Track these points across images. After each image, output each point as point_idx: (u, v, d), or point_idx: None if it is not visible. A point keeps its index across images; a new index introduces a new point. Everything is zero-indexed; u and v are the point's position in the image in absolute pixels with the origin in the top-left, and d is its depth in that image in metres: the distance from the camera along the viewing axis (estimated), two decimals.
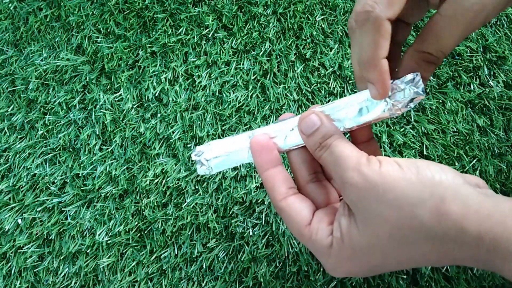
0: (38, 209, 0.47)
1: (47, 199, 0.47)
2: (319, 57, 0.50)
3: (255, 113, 0.48)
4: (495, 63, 0.49)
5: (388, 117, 0.30)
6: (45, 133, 0.49)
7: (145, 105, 0.49)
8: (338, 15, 0.51)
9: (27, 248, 0.46)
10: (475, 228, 0.24)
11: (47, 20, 0.53)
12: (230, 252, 0.44)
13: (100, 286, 0.45)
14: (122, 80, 0.50)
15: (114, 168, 0.47)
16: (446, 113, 0.47)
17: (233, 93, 0.49)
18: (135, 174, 0.47)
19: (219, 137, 0.48)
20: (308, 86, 0.49)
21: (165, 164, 0.47)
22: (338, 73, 0.49)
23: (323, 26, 0.51)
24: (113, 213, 0.46)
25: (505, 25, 0.50)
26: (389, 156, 0.46)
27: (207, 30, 0.51)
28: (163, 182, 0.46)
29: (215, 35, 0.51)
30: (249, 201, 0.45)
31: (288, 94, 0.49)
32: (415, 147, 0.46)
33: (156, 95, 0.49)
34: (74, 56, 0.51)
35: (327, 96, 0.49)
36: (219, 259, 0.44)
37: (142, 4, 0.52)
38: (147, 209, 0.46)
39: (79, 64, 0.51)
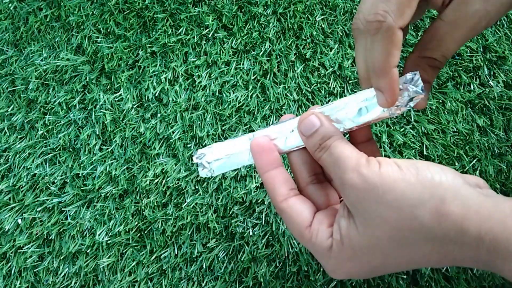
0: (38, 209, 0.47)
1: (47, 199, 0.47)
2: (319, 57, 0.50)
3: (255, 113, 0.48)
4: (495, 63, 0.49)
5: (388, 117, 0.30)
6: (45, 133, 0.49)
7: (145, 105, 0.49)
8: (338, 15, 0.51)
9: (27, 248, 0.46)
10: (475, 228, 0.24)
11: (47, 20, 0.53)
12: (230, 252, 0.44)
13: (100, 286, 0.45)
14: (122, 80, 0.50)
15: (114, 168, 0.47)
16: (446, 113, 0.47)
17: (233, 93, 0.49)
18: (135, 174, 0.47)
19: (219, 137, 0.48)
20: (308, 86, 0.49)
21: (165, 164, 0.47)
22: (338, 73, 0.49)
23: (323, 26, 0.51)
24: (113, 213, 0.46)
25: (505, 25, 0.50)
26: (389, 157, 0.46)
27: (207, 30, 0.51)
28: (163, 182, 0.46)
29: (215, 35, 0.51)
30: (249, 201, 0.45)
31: (288, 94, 0.49)
32: (415, 147, 0.46)
33: (156, 95, 0.49)
34: (74, 56, 0.51)
35: (327, 96, 0.49)
36: (219, 259, 0.44)
37: (142, 4, 0.52)
38: (147, 209, 0.46)
39: (79, 64, 0.51)
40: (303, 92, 0.49)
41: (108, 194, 0.47)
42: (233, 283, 0.44)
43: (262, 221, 0.45)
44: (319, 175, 0.33)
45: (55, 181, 0.47)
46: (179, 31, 0.51)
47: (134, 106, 0.49)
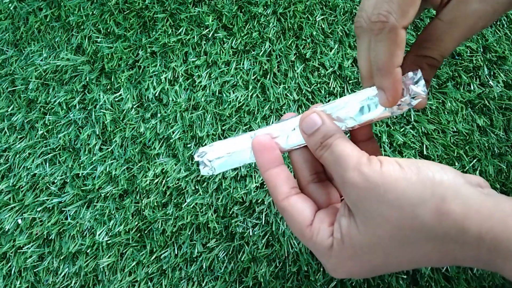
0: (38, 209, 0.47)
1: (47, 199, 0.47)
2: (319, 57, 0.50)
3: (255, 113, 0.48)
4: (495, 63, 0.49)
5: (389, 116, 0.30)
6: (45, 133, 0.49)
7: (145, 105, 0.49)
8: (338, 15, 0.51)
9: (27, 248, 0.46)
10: (476, 227, 0.24)
11: (47, 20, 0.53)
12: (230, 252, 0.44)
13: (100, 286, 0.45)
14: (122, 80, 0.50)
15: (114, 168, 0.47)
16: (446, 113, 0.47)
17: (233, 93, 0.49)
18: (135, 174, 0.47)
19: (219, 137, 0.48)
20: (308, 86, 0.49)
21: (165, 164, 0.47)
22: (338, 73, 0.49)
23: (323, 26, 0.51)
24: (113, 213, 0.46)
25: (505, 25, 0.50)
26: (389, 156, 0.46)
27: (207, 30, 0.51)
28: (163, 182, 0.46)
29: (215, 35, 0.51)
30: (249, 201, 0.45)
31: (288, 94, 0.49)
32: (415, 147, 0.46)
33: (156, 95, 0.49)
34: (74, 56, 0.51)
35: (327, 96, 0.49)
36: (219, 259, 0.44)
37: (142, 4, 0.52)
38: (147, 209, 0.46)
39: (79, 64, 0.51)
40: (303, 92, 0.49)
41: (108, 194, 0.47)
42: (233, 283, 0.44)
43: (262, 221, 0.45)
44: (320, 174, 0.33)
45: (55, 181, 0.47)
46: (179, 31, 0.51)
47: (134, 106, 0.49)
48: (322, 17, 0.51)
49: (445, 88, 0.48)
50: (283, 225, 0.45)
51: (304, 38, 0.50)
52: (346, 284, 0.43)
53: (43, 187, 0.47)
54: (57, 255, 0.46)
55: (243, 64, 0.50)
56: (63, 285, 0.45)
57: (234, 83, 0.49)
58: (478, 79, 0.49)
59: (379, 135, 0.47)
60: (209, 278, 0.44)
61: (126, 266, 0.45)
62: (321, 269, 0.43)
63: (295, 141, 0.32)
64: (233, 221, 0.45)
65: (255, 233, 0.45)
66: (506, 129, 0.47)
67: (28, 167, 0.48)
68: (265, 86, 0.49)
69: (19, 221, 0.47)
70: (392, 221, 0.25)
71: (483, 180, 0.27)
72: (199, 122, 0.48)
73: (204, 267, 0.44)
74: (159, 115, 0.48)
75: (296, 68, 0.49)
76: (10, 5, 0.53)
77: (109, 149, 0.48)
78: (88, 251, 0.45)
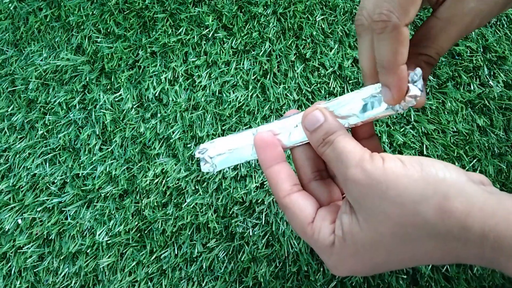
0: (38, 209, 0.47)
1: (47, 199, 0.47)
2: (319, 57, 0.50)
3: (255, 113, 0.48)
4: (495, 63, 0.49)
5: (392, 113, 0.30)
6: (45, 133, 0.49)
7: (145, 105, 0.49)
8: (338, 15, 0.51)
9: (27, 248, 0.46)
10: (479, 225, 0.24)
11: (47, 20, 0.53)
12: (230, 252, 0.44)
13: (100, 286, 0.45)
14: (122, 80, 0.50)
15: (114, 168, 0.47)
16: (446, 113, 0.47)
17: (233, 93, 0.49)
18: (135, 174, 0.47)
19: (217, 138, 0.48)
20: (308, 86, 0.49)
21: (165, 164, 0.47)
22: (338, 73, 0.49)
23: (323, 26, 0.51)
24: (113, 213, 0.46)
25: (505, 25, 0.50)
26: None
27: (207, 30, 0.51)
28: (163, 182, 0.46)
29: (215, 35, 0.51)
30: (249, 201, 0.45)
31: (288, 94, 0.49)
32: (415, 147, 0.46)
33: (156, 95, 0.49)
34: (74, 56, 0.51)
35: (327, 96, 0.49)
36: (219, 259, 0.44)
37: (142, 4, 0.52)
38: (147, 209, 0.46)
39: (79, 64, 0.51)
40: (303, 92, 0.49)
41: (108, 194, 0.47)
42: (233, 283, 0.44)
43: (262, 221, 0.45)
44: (322, 172, 0.33)
45: (55, 181, 0.47)
46: (179, 31, 0.51)
47: (134, 106, 0.49)
48: (322, 17, 0.51)
49: (445, 88, 0.48)
50: (283, 225, 0.45)
51: (304, 38, 0.50)
52: (346, 284, 0.43)
53: (43, 187, 0.47)
54: (57, 255, 0.46)
55: (243, 64, 0.50)
56: (63, 285, 0.45)
57: (234, 83, 0.49)
58: (478, 79, 0.49)
59: (379, 135, 0.47)
60: (209, 278, 0.44)
61: (126, 266, 0.45)
62: (321, 269, 0.43)
63: (297, 138, 0.32)
64: (233, 221, 0.45)
65: (255, 233, 0.45)
66: (506, 129, 0.47)
67: (28, 167, 0.48)
68: (265, 86, 0.49)
69: (19, 221, 0.47)
70: (394, 218, 0.25)
71: (485, 178, 0.27)
72: (199, 122, 0.48)
73: (204, 267, 0.44)
74: (159, 115, 0.48)
75: (296, 68, 0.49)
76: (10, 5, 0.53)
77: (109, 149, 0.48)
78: (88, 251, 0.45)
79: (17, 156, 0.49)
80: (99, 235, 0.45)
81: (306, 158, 0.32)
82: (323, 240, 0.28)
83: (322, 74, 0.49)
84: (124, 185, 0.46)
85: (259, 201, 0.45)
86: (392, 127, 0.47)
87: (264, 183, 0.46)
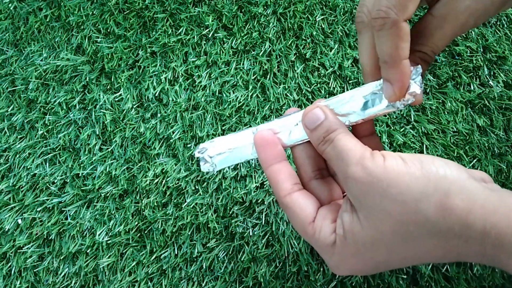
0: (38, 209, 0.47)
1: (47, 199, 0.47)
2: (319, 57, 0.50)
3: (255, 113, 0.48)
4: (495, 63, 0.49)
5: (393, 110, 0.30)
6: (45, 133, 0.49)
7: (145, 105, 0.49)
8: (338, 15, 0.51)
9: (27, 248, 0.46)
10: (480, 223, 0.23)
11: (47, 20, 0.53)
12: (230, 252, 0.44)
13: (100, 286, 0.45)
14: (122, 80, 0.50)
15: (114, 168, 0.47)
16: (446, 113, 0.47)
17: (233, 93, 0.49)
18: (135, 174, 0.47)
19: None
20: (308, 86, 0.49)
21: (165, 164, 0.47)
22: (338, 73, 0.49)
23: (323, 26, 0.51)
24: (113, 213, 0.46)
25: (505, 25, 0.50)
26: None
27: (207, 30, 0.51)
28: (163, 182, 0.46)
29: (215, 35, 0.51)
30: (249, 201, 0.45)
31: (288, 94, 0.49)
32: (415, 147, 0.46)
33: (156, 95, 0.49)
34: (74, 56, 0.51)
35: (327, 96, 0.49)
36: (219, 259, 0.44)
37: (142, 4, 0.52)
38: (147, 209, 0.46)
39: (79, 64, 0.51)
40: (303, 92, 0.49)
41: (108, 194, 0.47)
42: (233, 283, 0.44)
43: (262, 221, 0.45)
44: (323, 170, 0.33)
45: (55, 181, 0.47)
46: (179, 31, 0.51)
47: (134, 106, 0.49)
48: (322, 17, 0.51)
49: (445, 88, 0.48)
50: (283, 225, 0.45)
51: (304, 38, 0.50)
52: (346, 284, 0.43)
53: (43, 187, 0.47)
54: (57, 255, 0.46)
55: (243, 64, 0.50)
56: (63, 285, 0.45)
57: (234, 83, 0.49)
58: (478, 79, 0.49)
59: (379, 135, 0.47)
60: (209, 278, 0.44)
61: (126, 266, 0.45)
62: (321, 269, 0.43)
63: (297, 136, 0.32)
64: (233, 221, 0.45)
65: (255, 233, 0.45)
66: (506, 129, 0.47)
67: (28, 167, 0.48)
68: (265, 86, 0.49)
69: (19, 221, 0.47)
70: (395, 216, 0.25)
71: (487, 175, 0.27)
72: (199, 122, 0.48)
73: (204, 267, 0.44)
74: (159, 115, 0.48)
75: (296, 68, 0.49)
76: (10, 5, 0.53)
77: (109, 149, 0.48)
78: (88, 251, 0.45)
79: (17, 156, 0.49)
80: (99, 235, 0.45)
81: (306, 156, 0.32)
82: (324, 239, 0.28)
83: (322, 74, 0.49)
84: (124, 185, 0.46)
85: (259, 201, 0.45)
86: (392, 127, 0.47)
87: (264, 183, 0.46)
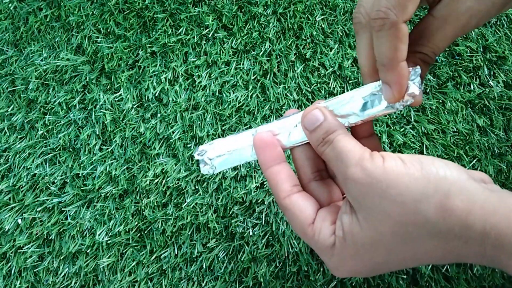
0: (38, 209, 0.47)
1: (47, 199, 0.47)
2: (319, 57, 0.50)
3: (255, 113, 0.48)
4: (495, 63, 0.49)
5: (392, 111, 0.30)
6: (45, 133, 0.49)
7: (145, 105, 0.49)
8: (338, 15, 0.51)
9: (27, 248, 0.46)
10: (480, 223, 0.23)
11: (47, 20, 0.53)
12: (230, 252, 0.44)
13: (100, 286, 0.45)
14: (122, 80, 0.50)
15: (114, 168, 0.47)
16: (446, 113, 0.47)
17: (233, 93, 0.49)
18: (135, 174, 0.47)
19: (219, 137, 0.48)
20: (308, 86, 0.49)
21: (165, 164, 0.47)
22: (338, 73, 0.49)
23: (323, 26, 0.51)
24: (113, 213, 0.46)
25: (505, 25, 0.50)
26: None
27: (207, 30, 0.51)
28: (163, 182, 0.46)
29: (215, 35, 0.51)
30: (249, 201, 0.45)
31: (288, 94, 0.49)
32: (415, 147, 0.46)
33: (156, 95, 0.49)
34: (74, 56, 0.51)
35: (327, 96, 0.49)
36: (219, 259, 0.44)
37: (142, 4, 0.52)
38: (147, 209, 0.46)
39: (79, 64, 0.51)
40: (303, 92, 0.49)
41: (108, 194, 0.47)
42: (233, 283, 0.44)
43: (262, 221, 0.45)
44: (322, 172, 0.33)
45: (55, 181, 0.47)
46: (179, 31, 0.51)
47: (134, 106, 0.49)
48: (322, 17, 0.51)
49: (445, 88, 0.48)
50: (283, 225, 0.45)
51: (304, 38, 0.50)
52: (346, 284, 0.43)
53: (43, 187, 0.47)
54: (57, 255, 0.46)
55: (243, 64, 0.50)
56: (63, 285, 0.45)
57: (234, 83, 0.49)
58: (478, 79, 0.49)
59: (379, 135, 0.47)
60: (209, 278, 0.44)
61: (126, 266, 0.45)
62: (321, 269, 0.43)
63: (297, 137, 0.32)
64: (233, 221, 0.45)
65: (255, 233, 0.45)
66: (506, 129, 0.47)
67: (28, 167, 0.48)
68: (265, 86, 0.49)
69: (19, 221, 0.47)
70: (394, 217, 0.25)
71: (486, 176, 0.27)
72: (199, 122, 0.48)
73: (204, 267, 0.44)
74: (159, 115, 0.48)
75: (296, 68, 0.49)
76: (10, 5, 0.53)
77: (109, 149, 0.48)
78: (88, 251, 0.45)
79: (17, 156, 0.49)
80: (99, 235, 0.45)
81: (306, 158, 0.32)
82: (324, 241, 0.28)
83: (322, 74, 0.49)
84: (124, 185, 0.46)
85: (259, 201, 0.45)
86: (392, 127, 0.47)
87: (264, 183, 0.46)
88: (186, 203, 0.46)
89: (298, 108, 0.48)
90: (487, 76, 0.49)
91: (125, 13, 0.52)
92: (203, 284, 0.44)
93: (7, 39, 0.53)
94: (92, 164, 0.48)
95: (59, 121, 0.49)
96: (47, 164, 0.48)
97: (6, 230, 0.46)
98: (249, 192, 0.46)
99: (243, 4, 0.52)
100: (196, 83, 0.49)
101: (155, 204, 0.46)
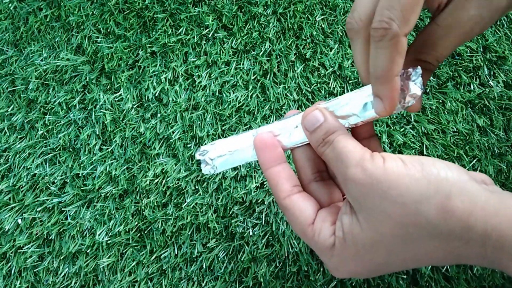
0: (38, 209, 0.47)
1: (47, 199, 0.47)
2: (319, 57, 0.50)
3: (255, 113, 0.48)
4: (495, 63, 0.49)
5: (393, 112, 0.30)
6: (45, 133, 0.49)
7: (145, 105, 0.49)
8: (338, 15, 0.51)
9: (27, 248, 0.46)
10: (481, 225, 0.23)
11: (47, 20, 0.53)
12: (230, 252, 0.44)
13: (100, 286, 0.45)
14: (122, 80, 0.50)
15: (114, 168, 0.47)
16: (446, 113, 0.47)
17: (233, 93, 0.49)
18: (135, 174, 0.47)
19: (219, 137, 0.48)
20: (308, 86, 0.49)
21: (165, 164, 0.47)
22: (338, 73, 0.49)
23: (323, 26, 0.51)
24: (113, 213, 0.46)
25: (505, 25, 0.50)
26: None
27: (207, 30, 0.51)
28: (163, 182, 0.46)
29: (215, 35, 0.51)
30: (249, 201, 0.45)
31: (288, 94, 0.49)
32: (415, 147, 0.46)
33: (156, 95, 0.49)
34: (74, 56, 0.51)
35: (327, 96, 0.49)
36: (219, 259, 0.44)
37: (142, 4, 0.52)
38: (147, 209, 0.46)
39: (79, 64, 0.51)
40: (303, 92, 0.49)
41: (108, 194, 0.47)
42: (233, 283, 0.44)
43: (262, 221, 0.45)
44: (323, 173, 0.33)
45: (55, 181, 0.47)
46: (179, 31, 0.51)
47: (134, 106, 0.49)
48: (322, 17, 0.51)
49: (445, 88, 0.48)
50: (283, 225, 0.45)
51: (304, 38, 0.50)
52: (346, 284, 0.43)
53: (43, 187, 0.47)
54: (57, 255, 0.46)
55: (243, 64, 0.50)
56: (63, 285, 0.45)
57: (234, 83, 0.49)
58: (478, 79, 0.49)
59: (379, 135, 0.47)
60: (209, 278, 0.44)
61: (126, 266, 0.45)
62: (321, 269, 0.43)
63: (297, 138, 0.32)
64: (233, 221, 0.45)
65: (255, 233, 0.45)
66: (506, 129, 0.47)
67: (28, 167, 0.48)
68: (265, 86, 0.49)
69: (19, 221, 0.47)
70: (395, 218, 0.25)
71: (487, 177, 0.27)
72: (199, 122, 0.48)
73: (204, 267, 0.44)
74: (159, 115, 0.48)
75: (296, 68, 0.49)
76: (10, 5, 0.53)
77: (109, 149, 0.48)
78: (88, 251, 0.45)
79: (17, 156, 0.49)
80: (99, 235, 0.45)
81: (306, 159, 0.32)
82: (324, 241, 0.28)
83: (322, 74, 0.49)
84: (124, 185, 0.46)
85: (259, 201, 0.45)
86: (392, 127, 0.47)
87: (264, 183, 0.46)
88: (186, 203, 0.46)
89: (298, 109, 0.48)
90: (487, 76, 0.49)
91: (125, 13, 0.52)
92: (203, 284, 0.44)
93: (7, 39, 0.53)
94: (92, 164, 0.48)
95: (59, 121, 0.49)
96: (47, 164, 0.48)
97: (6, 230, 0.46)
98: (249, 192, 0.46)
99: (243, 4, 0.52)
100: (196, 83, 0.49)
101: (155, 204, 0.46)
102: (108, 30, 0.52)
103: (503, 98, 0.48)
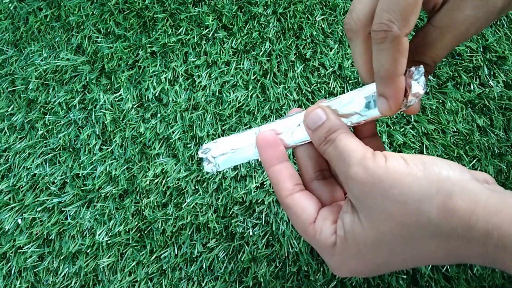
0: (38, 209, 0.47)
1: (47, 199, 0.47)
2: (319, 57, 0.50)
3: (255, 113, 0.48)
4: (495, 63, 0.49)
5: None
6: (45, 133, 0.49)
7: (145, 105, 0.49)
8: (338, 15, 0.51)
9: (27, 248, 0.46)
10: (483, 224, 0.23)
11: (47, 20, 0.53)
12: (230, 252, 0.44)
13: (100, 286, 0.45)
14: (122, 80, 0.50)
15: (114, 168, 0.47)
16: (446, 113, 0.47)
17: (233, 93, 0.49)
18: (135, 174, 0.47)
19: (219, 137, 0.48)
20: (308, 86, 0.49)
21: (165, 164, 0.47)
22: (338, 73, 0.49)
23: (323, 26, 0.51)
24: (113, 213, 0.46)
25: (505, 25, 0.50)
26: None
27: (207, 30, 0.51)
28: (163, 182, 0.46)
29: (215, 35, 0.51)
30: (249, 201, 0.45)
31: (288, 94, 0.49)
32: (415, 147, 0.46)
33: (156, 95, 0.49)
34: (74, 56, 0.51)
35: (327, 96, 0.49)
36: (219, 259, 0.44)
37: (142, 4, 0.52)
38: (147, 209, 0.46)
39: (79, 64, 0.51)
40: (303, 92, 0.49)
41: (108, 194, 0.47)
42: (233, 283, 0.44)
43: (262, 221, 0.45)
44: (325, 171, 0.33)
45: (55, 181, 0.47)
46: (179, 31, 0.51)
47: (134, 106, 0.49)
48: (322, 17, 0.51)
49: (445, 88, 0.48)
50: (283, 225, 0.45)
51: (304, 38, 0.50)
52: (346, 284, 0.43)
53: (43, 187, 0.47)
54: (57, 255, 0.46)
55: (243, 64, 0.50)
56: (63, 285, 0.45)
57: (234, 83, 0.49)
58: (478, 79, 0.49)
59: (379, 135, 0.47)
60: (209, 278, 0.44)
61: (126, 266, 0.45)
62: (321, 269, 0.43)
63: (299, 137, 0.32)
64: (233, 221, 0.45)
65: (255, 233, 0.45)
66: (506, 129, 0.47)
67: (28, 167, 0.48)
68: (265, 86, 0.49)
69: (19, 221, 0.47)
70: (396, 217, 0.25)
71: (489, 176, 0.27)
72: (199, 122, 0.48)
73: (204, 267, 0.44)
74: (159, 115, 0.48)
75: (296, 68, 0.49)
76: (10, 5, 0.53)
77: (109, 149, 0.48)
78: (88, 251, 0.45)
79: (17, 156, 0.49)
80: (99, 235, 0.45)
81: (308, 157, 0.32)
82: (325, 240, 0.28)
83: (322, 74, 0.49)
84: (124, 185, 0.46)
85: (259, 201, 0.45)
86: (392, 127, 0.47)
87: (264, 183, 0.46)
88: (186, 203, 0.46)
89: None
90: (487, 76, 0.49)
91: (125, 13, 0.52)
92: (203, 284, 0.44)
93: (7, 39, 0.53)
94: (92, 164, 0.48)
95: (59, 121, 0.49)
96: (47, 164, 0.48)
97: (6, 230, 0.46)
98: (249, 192, 0.46)
99: (243, 4, 0.52)
100: (196, 83, 0.49)
101: (155, 204, 0.46)
102: (108, 30, 0.52)
103: (503, 98, 0.48)
